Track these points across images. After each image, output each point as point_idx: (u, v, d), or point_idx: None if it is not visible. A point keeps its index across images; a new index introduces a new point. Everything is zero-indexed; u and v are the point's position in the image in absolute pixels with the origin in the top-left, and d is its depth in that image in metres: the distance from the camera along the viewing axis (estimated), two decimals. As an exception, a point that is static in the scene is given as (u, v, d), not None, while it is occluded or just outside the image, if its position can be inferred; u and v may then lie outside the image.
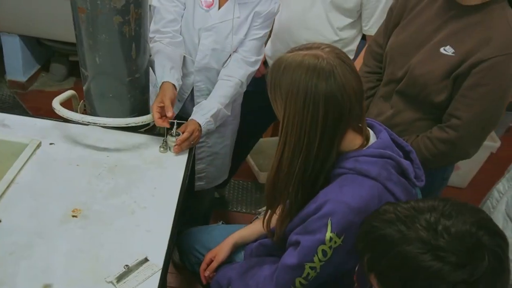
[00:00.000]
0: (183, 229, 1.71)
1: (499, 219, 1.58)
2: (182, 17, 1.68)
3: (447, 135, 1.47)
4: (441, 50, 1.46)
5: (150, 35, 1.65)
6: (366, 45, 1.98)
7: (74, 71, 3.47)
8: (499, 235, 0.78)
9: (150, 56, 1.64)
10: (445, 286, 0.73)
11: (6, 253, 1.15)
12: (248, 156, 2.80)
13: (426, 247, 0.75)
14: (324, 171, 1.17)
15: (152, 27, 1.68)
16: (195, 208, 2.18)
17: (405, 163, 1.20)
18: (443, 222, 0.77)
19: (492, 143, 2.96)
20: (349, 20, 2.03)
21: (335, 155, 1.15)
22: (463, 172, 3.15)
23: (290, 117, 1.11)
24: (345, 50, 2.11)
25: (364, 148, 1.17)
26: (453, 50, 1.44)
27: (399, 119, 1.61)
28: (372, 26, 2.00)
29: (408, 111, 1.59)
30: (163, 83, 1.57)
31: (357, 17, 2.05)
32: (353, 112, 1.11)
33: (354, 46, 2.15)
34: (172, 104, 1.52)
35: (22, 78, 3.32)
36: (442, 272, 0.74)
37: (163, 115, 1.50)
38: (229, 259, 1.52)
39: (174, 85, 1.58)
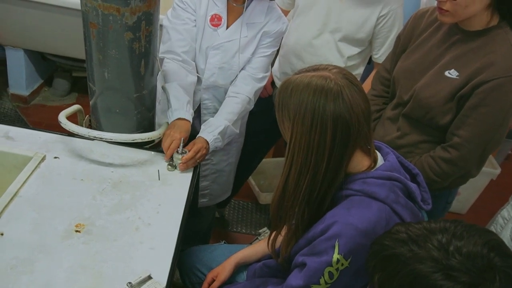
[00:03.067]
0: (183, 248, 1.69)
1: (504, 245, 1.57)
2: (193, 37, 1.69)
3: (449, 154, 1.49)
4: (446, 73, 1.48)
5: (160, 55, 1.65)
6: (375, 70, 2.01)
7: (76, 86, 3.47)
8: (510, 256, 0.77)
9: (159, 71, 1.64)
10: None
11: (7, 267, 1.13)
12: (250, 177, 2.80)
13: (438, 266, 0.76)
14: (331, 192, 1.16)
15: (162, 47, 1.69)
16: (196, 226, 2.16)
17: (413, 186, 1.20)
18: (455, 242, 0.77)
19: (492, 169, 2.97)
20: (358, 50, 2.06)
21: (343, 176, 1.15)
22: (464, 197, 3.15)
23: (298, 138, 1.11)
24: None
25: (372, 170, 1.17)
26: (457, 73, 1.46)
27: (404, 141, 1.62)
28: (382, 55, 2.03)
29: (414, 134, 1.60)
30: (179, 118, 1.58)
31: (367, 45, 2.07)
32: (361, 133, 1.11)
33: (360, 70, 2.17)
34: (180, 143, 1.54)
35: (25, 92, 3.32)
36: None
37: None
38: (230, 279, 1.51)
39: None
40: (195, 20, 1.67)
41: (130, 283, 1.14)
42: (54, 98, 3.46)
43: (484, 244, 0.77)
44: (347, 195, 1.15)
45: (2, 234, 1.21)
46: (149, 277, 1.17)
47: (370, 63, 2.22)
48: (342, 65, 2.05)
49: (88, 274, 1.16)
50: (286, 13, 2.24)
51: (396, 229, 0.85)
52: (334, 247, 1.10)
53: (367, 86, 1.97)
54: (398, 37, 1.73)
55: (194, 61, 1.72)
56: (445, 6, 1.41)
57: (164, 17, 1.70)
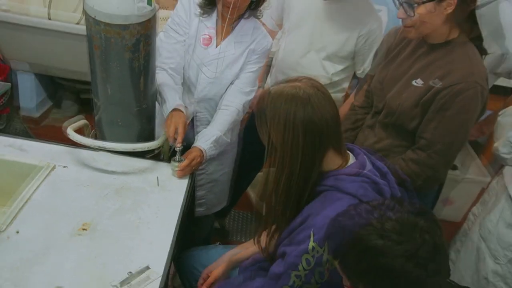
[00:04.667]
0: (182, 255, 1.83)
1: (473, 239, 1.71)
2: (181, 55, 1.85)
3: (417, 156, 1.63)
4: (413, 82, 1.64)
5: None
6: (358, 84, 2.17)
7: (84, 108, 3.65)
8: (434, 221, 0.93)
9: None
10: (389, 259, 0.87)
11: (23, 259, 1.28)
12: (248, 188, 2.93)
13: (375, 230, 0.92)
14: (307, 188, 1.31)
15: None
16: (195, 235, 2.29)
17: (381, 182, 1.34)
18: (389, 213, 0.93)
19: (483, 178, 3.10)
20: (342, 66, 2.23)
21: (317, 174, 1.30)
22: (457, 206, 3.28)
23: (274, 141, 1.26)
24: (337, 88, 2.32)
25: (343, 168, 1.31)
26: (423, 82, 1.61)
27: (381, 145, 1.77)
28: (364, 70, 2.20)
29: (389, 139, 1.75)
30: (174, 110, 1.73)
31: (350, 62, 2.24)
32: (330, 135, 1.26)
33: (345, 85, 2.34)
34: (185, 129, 1.68)
35: (36, 114, 3.50)
36: (385, 247, 0.88)
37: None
38: (224, 275, 1.64)
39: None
40: (184, 41, 1.84)
41: (130, 272, 1.29)
42: (63, 119, 3.61)
43: (411, 212, 0.92)
44: (322, 191, 1.30)
45: (17, 232, 1.36)
46: (147, 268, 1.32)
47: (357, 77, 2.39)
48: (327, 81, 2.22)
49: (93, 265, 1.31)
50: (274, 33, 2.42)
51: (348, 209, 1.00)
52: (310, 236, 1.24)
53: (351, 99, 2.13)
54: (375, 53, 1.90)
55: (187, 76, 1.88)
56: (407, 23, 1.57)
57: (157, 37, 1.87)
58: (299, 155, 1.25)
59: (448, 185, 3.21)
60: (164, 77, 1.82)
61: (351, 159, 1.36)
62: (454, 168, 3.46)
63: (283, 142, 1.24)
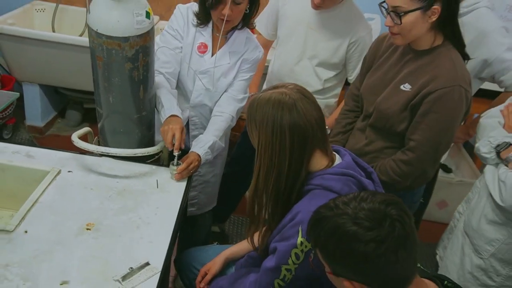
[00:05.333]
0: (181, 255, 1.92)
1: (458, 236, 1.79)
2: (178, 61, 1.94)
3: (407, 157, 1.72)
4: (401, 87, 1.73)
5: None
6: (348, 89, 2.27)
7: (87, 117, 3.76)
8: (404, 210, 1.02)
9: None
10: (362, 244, 0.97)
11: (31, 256, 1.38)
12: (247, 193, 3.02)
13: (349, 218, 1.01)
14: (296, 188, 1.40)
15: None
16: (193, 236, 2.38)
17: (366, 181, 1.43)
18: (362, 203, 1.03)
19: (475, 180, 3.17)
20: (334, 73, 2.33)
21: (304, 174, 1.39)
22: (452, 208, 3.33)
23: (263, 144, 1.36)
24: (330, 94, 2.41)
25: (330, 168, 1.40)
26: (410, 86, 1.70)
27: (371, 147, 1.86)
28: (355, 77, 2.29)
29: (379, 141, 1.84)
30: (172, 115, 1.80)
31: (342, 68, 2.34)
32: (316, 137, 1.35)
33: (337, 91, 2.43)
34: (182, 135, 1.76)
35: (40, 124, 3.60)
36: (357, 233, 0.98)
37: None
38: (221, 273, 1.73)
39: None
40: (181, 47, 1.94)
41: (131, 267, 1.38)
42: (67, 128, 3.74)
43: (382, 202, 1.02)
44: (309, 190, 1.39)
45: (26, 232, 1.46)
46: (147, 263, 1.41)
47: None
48: (320, 87, 2.32)
49: (97, 262, 1.40)
50: (270, 43, 2.52)
51: (328, 202, 1.09)
52: (298, 232, 1.33)
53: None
54: (364, 59, 1.99)
55: (183, 82, 1.98)
56: (394, 30, 1.67)
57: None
58: (287, 156, 1.34)
59: (442, 187, 3.30)
60: (161, 81, 1.89)
61: (337, 160, 1.45)
62: (449, 171, 3.55)
63: (272, 144, 1.34)
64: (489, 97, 2.36)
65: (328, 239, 1.03)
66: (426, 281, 1.12)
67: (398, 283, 1.03)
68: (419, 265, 1.20)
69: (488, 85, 2.31)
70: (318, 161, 1.41)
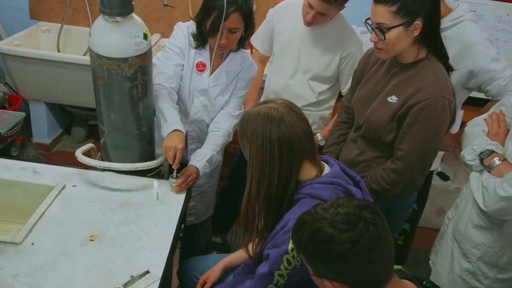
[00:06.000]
0: (182, 265, 2.00)
1: (448, 241, 1.85)
2: (179, 77, 2.03)
3: (395, 165, 1.79)
4: (388, 99, 1.81)
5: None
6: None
7: (92, 133, 3.86)
8: (377, 214, 1.10)
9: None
10: (338, 245, 1.06)
11: (37, 267, 1.46)
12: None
13: (327, 222, 1.10)
14: (286, 197, 1.47)
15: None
16: (194, 245, 2.45)
17: (354, 189, 1.51)
18: (338, 209, 1.11)
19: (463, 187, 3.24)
20: (327, 86, 2.42)
21: (294, 183, 1.46)
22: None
23: (254, 156, 1.44)
24: (324, 106, 2.50)
25: (318, 177, 1.48)
26: (397, 98, 1.78)
27: (363, 157, 1.93)
28: (348, 89, 2.37)
29: (370, 151, 1.92)
30: (175, 130, 1.87)
31: (335, 82, 2.43)
32: (304, 148, 1.43)
33: (332, 103, 2.52)
34: (182, 153, 1.84)
35: (47, 141, 3.70)
36: (334, 235, 1.07)
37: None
38: (220, 281, 1.80)
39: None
40: (183, 65, 2.03)
41: (132, 276, 1.45)
42: (72, 144, 3.83)
43: (357, 206, 1.10)
44: (299, 198, 1.46)
45: (33, 244, 1.54)
46: (147, 272, 1.48)
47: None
48: (314, 100, 2.41)
49: (100, 271, 1.48)
50: (266, 58, 2.62)
51: (310, 208, 1.17)
52: (289, 239, 1.40)
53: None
54: (355, 72, 2.08)
55: (183, 98, 2.07)
56: (379, 45, 1.75)
57: (154, 57, 2.02)
58: (276, 167, 1.42)
59: (440, 195, 3.37)
60: (164, 95, 1.95)
61: (326, 170, 1.53)
62: (446, 178, 3.62)
63: (262, 156, 1.42)
64: (479, 105, 2.43)
65: (309, 242, 1.11)
66: (405, 281, 1.19)
67: (374, 281, 1.11)
68: (401, 267, 1.27)
69: (478, 94, 2.38)
70: (307, 171, 1.48)
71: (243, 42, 2.02)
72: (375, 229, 1.07)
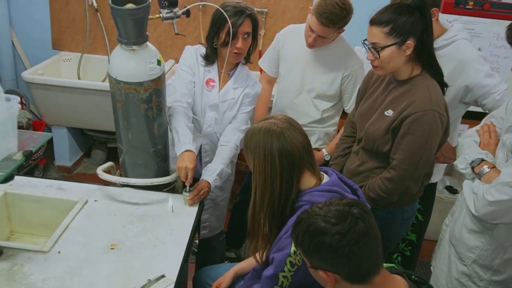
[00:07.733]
0: (196, 274, 2.13)
1: (445, 246, 1.96)
2: (192, 94, 2.19)
3: (390, 174, 1.91)
4: (385, 113, 1.94)
5: (168, 104, 2.11)
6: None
7: (111, 156, 4.03)
8: (365, 211, 1.24)
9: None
10: (329, 237, 1.19)
11: (64, 272, 1.61)
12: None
13: (320, 217, 1.23)
14: (288, 205, 1.60)
15: (168, 100, 2.12)
16: (209, 259, 2.57)
17: (351, 197, 1.63)
18: (331, 206, 1.26)
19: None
20: (331, 103, 2.57)
21: (295, 192, 1.59)
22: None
23: (257, 168, 1.58)
24: (329, 123, 2.64)
25: (317, 186, 1.61)
26: (392, 112, 1.91)
27: (363, 168, 2.06)
28: (351, 107, 2.52)
29: (370, 162, 2.05)
30: (187, 150, 2.02)
31: (338, 100, 2.57)
32: (303, 159, 1.56)
33: (336, 120, 2.66)
34: (194, 171, 1.99)
35: (68, 163, 3.90)
36: (325, 228, 1.20)
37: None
38: (231, 287, 1.93)
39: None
40: (194, 82, 2.20)
41: (149, 279, 1.59)
42: (92, 167, 4.01)
43: (347, 204, 1.25)
44: (300, 206, 1.59)
45: (59, 252, 1.69)
46: (163, 276, 1.62)
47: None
48: (319, 117, 2.55)
49: (120, 275, 1.62)
50: (274, 79, 2.78)
51: (306, 209, 1.31)
52: (291, 242, 1.53)
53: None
54: (359, 90, 2.22)
55: (196, 114, 2.22)
56: (375, 63, 1.90)
57: (169, 79, 2.20)
58: (278, 177, 1.55)
59: (449, 207, 3.40)
60: (180, 113, 2.11)
61: (325, 179, 1.66)
62: (455, 192, 3.70)
63: (264, 167, 1.56)
64: (478, 119, 2.54)
65: (304, 236, 1.24)
66: (395, 275, 1.31)
67: (364, 272, 1.23)
68: (393, 265, 1.39)
69: (479, 108, 2.49)
70: (307, 181, 1.62)
71: (249, 56, 2.20)
72: (362, 224, 1.20)
